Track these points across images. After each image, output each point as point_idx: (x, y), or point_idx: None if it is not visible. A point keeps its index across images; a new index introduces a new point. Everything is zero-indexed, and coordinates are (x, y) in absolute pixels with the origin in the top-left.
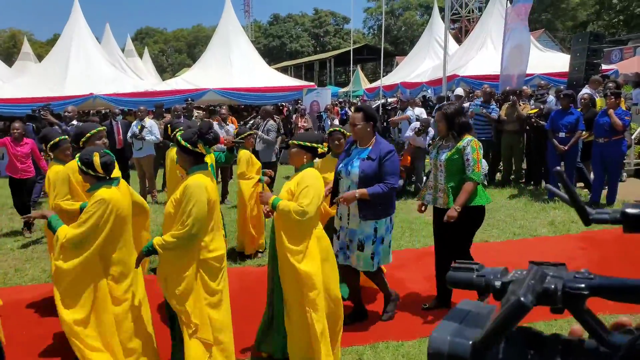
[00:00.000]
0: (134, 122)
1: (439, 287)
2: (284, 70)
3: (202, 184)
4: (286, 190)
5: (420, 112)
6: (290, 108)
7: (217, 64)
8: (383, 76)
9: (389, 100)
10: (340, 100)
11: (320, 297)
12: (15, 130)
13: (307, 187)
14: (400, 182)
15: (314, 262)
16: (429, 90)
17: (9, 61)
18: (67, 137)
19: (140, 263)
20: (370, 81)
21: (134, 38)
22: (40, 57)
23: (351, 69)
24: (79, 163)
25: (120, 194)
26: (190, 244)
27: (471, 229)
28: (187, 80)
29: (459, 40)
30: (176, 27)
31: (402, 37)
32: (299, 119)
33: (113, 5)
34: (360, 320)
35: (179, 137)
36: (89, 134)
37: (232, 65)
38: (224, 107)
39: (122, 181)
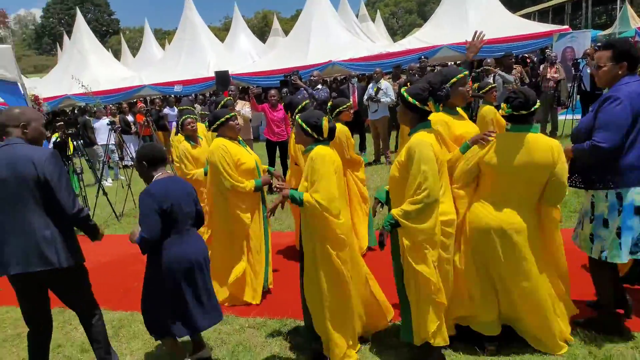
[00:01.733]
0: (370, 85)
1: None
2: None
3: (427, 142)
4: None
5: None
6: (535, 59)
7: (451, 18)
8: None
9: None
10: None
11: None
12: (272, 98)
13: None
14: None
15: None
16: None
17: (262, 38)
18: (309, 101)
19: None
20: None
21: (366, 3)
22: (286, 32)
23: (617, 5)
24: (303, 124)
25: (332, 151)
26: (430, 208)
27: None
28: (420, 38)
29: None
30: None
31: None
32: (548, 69)
33: None
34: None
35: (404, 93)
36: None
37: (468, 17)
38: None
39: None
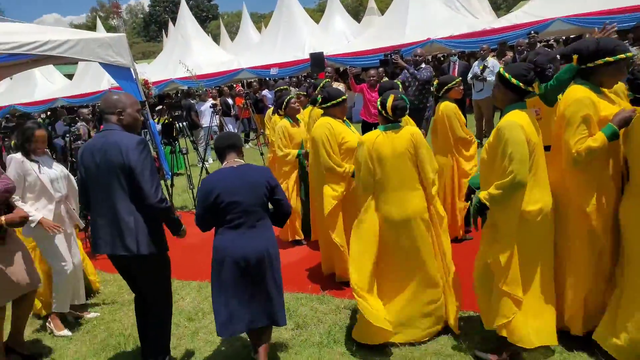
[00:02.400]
0: (475, 62)
1: None
2: None
3: (516, 123)
4: None
5: None
6: None
7: None
8: None
9: None
10: None
11: None
12: (371, 78)
13: None
14: None
15: None
16: None
17: (357, 18)
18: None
19: None
20: None
21: None
22: (382, 11)
23: None
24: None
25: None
26: (516, 193)
27: None
28: (528, 12)
29: None
30: None
31: None
32: None
33: None
34: None
35: (504, 73)
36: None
37: None
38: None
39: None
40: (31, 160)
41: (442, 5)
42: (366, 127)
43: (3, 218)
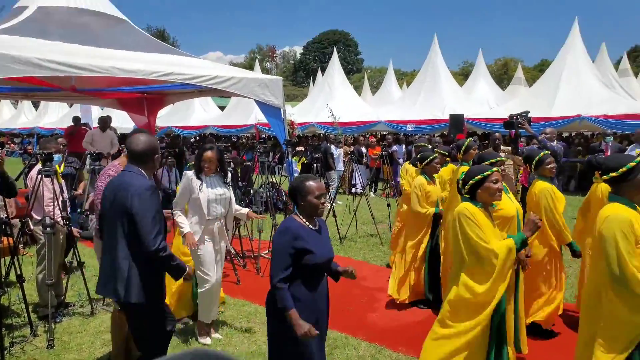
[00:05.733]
0: (630, 147)
1: None
2: None
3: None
4: None
5: None
6: None
7: None
8: None
9: None
10: None
11: None
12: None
13: None
14: None
15: None
16: None
17: (500, 85)
18: (548, 153)
19: None
20: None
21: (628, 55)
22: (529, 82)
23: None
24: None
25: None
26: None
27: None
28: None
29: None
30: None
31: None
32: None
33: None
34: None
35: None
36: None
37: None
38: None
39: None
40: (198, 178)
41: (598, 81)
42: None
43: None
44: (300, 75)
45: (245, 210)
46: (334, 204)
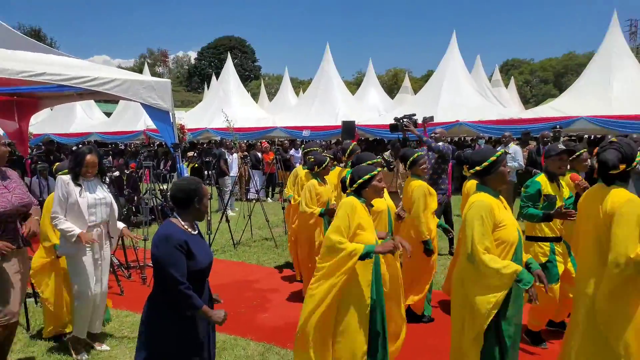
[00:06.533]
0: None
1: None
2: None
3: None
4: None
5: None
6: None
7: (593, 89)
8: None
9: None
10: None
11: None
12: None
13: None
14: None
15: None
16: None
17: (391, 95)
18: (422, 154)
19: None
20: None
21: (500, 69)
22: (415, 91)
23: None
24: None
25: None
26: None
27: None
28: (555, 107)
29: None
30: (544, 56)
31: None
32: None
33: (484, 37)
34: None
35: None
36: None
37: (612, 90)
38: None
39: None
40: (76, 183)
41: (475, 91)
42: None
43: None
44: (195, 81)
45: (121, 225)
46: (227, 211)
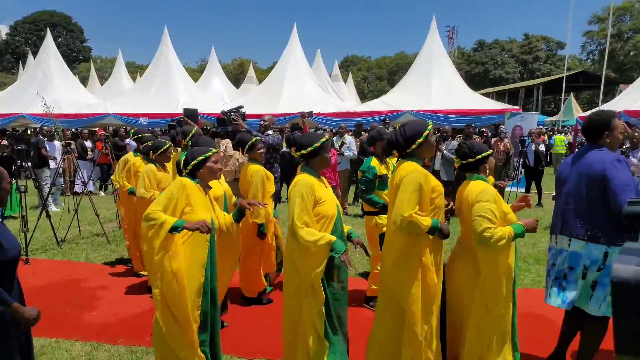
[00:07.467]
0: (334, 138)
1: None
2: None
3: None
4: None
5: None
6: (489, 133)
7: (416, 87)
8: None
9: None
10: (547, 128)
11: None
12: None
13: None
14: None
15: None
16: None
17: (237, 85)
18: (259, 139)
19: None
20: (584, 110)
21: (340, 65)
22: (260, 82)
23: (562, 97)
24: None
25: None
26: None
27: None
28: (386, 102)
29: None
30: (380, 55)
31: (629, 63)
32: (499, 143)
33: (324, 33)
34: None
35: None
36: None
37: (432, 88)
38: None
39: None
40: None
41: (315, 85)
42: None
43: None
44: (8, 59)
45: None
46: (50, 206)
